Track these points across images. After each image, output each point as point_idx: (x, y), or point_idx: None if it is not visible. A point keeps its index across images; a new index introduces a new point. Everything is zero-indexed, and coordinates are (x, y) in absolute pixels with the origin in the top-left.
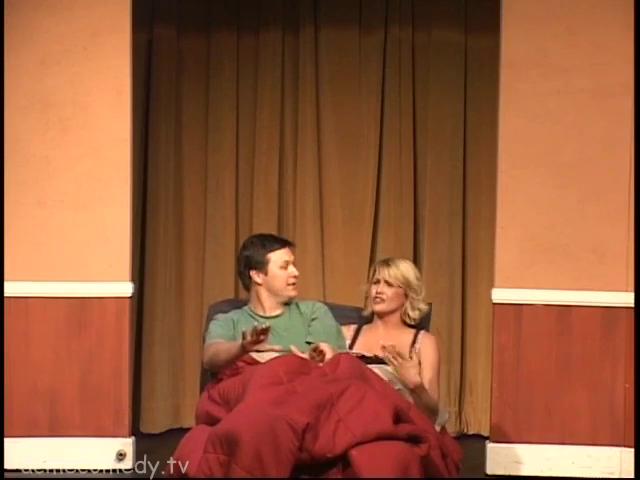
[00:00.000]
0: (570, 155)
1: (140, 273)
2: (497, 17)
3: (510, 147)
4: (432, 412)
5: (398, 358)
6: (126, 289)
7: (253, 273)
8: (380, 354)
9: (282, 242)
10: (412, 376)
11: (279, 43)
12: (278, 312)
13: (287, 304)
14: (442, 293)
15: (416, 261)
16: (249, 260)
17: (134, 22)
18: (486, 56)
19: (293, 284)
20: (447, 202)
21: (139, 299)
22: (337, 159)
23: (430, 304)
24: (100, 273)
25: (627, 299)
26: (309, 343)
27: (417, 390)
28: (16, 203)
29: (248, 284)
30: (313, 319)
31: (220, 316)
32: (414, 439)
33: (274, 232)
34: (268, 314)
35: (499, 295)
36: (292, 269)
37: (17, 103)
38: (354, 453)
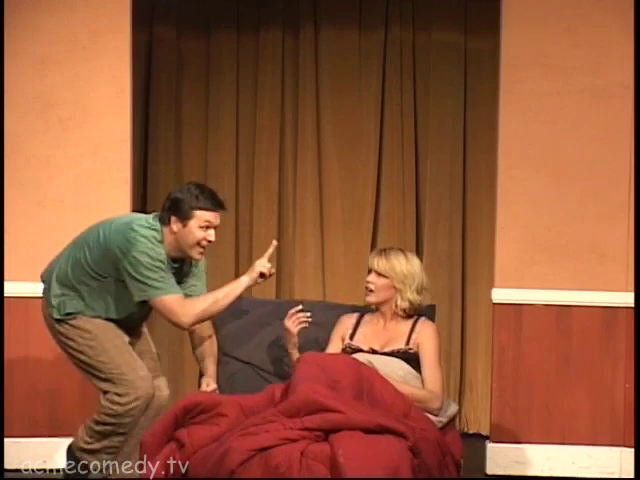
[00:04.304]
0: (570, 155)
1: None
2: (497, 17)
3: (510, 147)
4: (423, 401)
5: None
6: None
7: (173, 219)
8: (377, 347)
9: (216, 205)
10: None
11: (279, 43)
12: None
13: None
14: (442, 293)
15: None
16: (176, 205)
17: (134, 22)
18: (486, 56)
19: (203, 247)
20: (447, 202)
21: None
22: (337, 159)
23: (434, 305)
24: None
25: (627, 299)
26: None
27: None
28: (16, 203)
29: (165, 224)
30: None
31: (154, 256)
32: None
33: (274, 232)
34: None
35: (499, 295)
36: (211, 232)
37: (17, 103)
38: (341, 460)
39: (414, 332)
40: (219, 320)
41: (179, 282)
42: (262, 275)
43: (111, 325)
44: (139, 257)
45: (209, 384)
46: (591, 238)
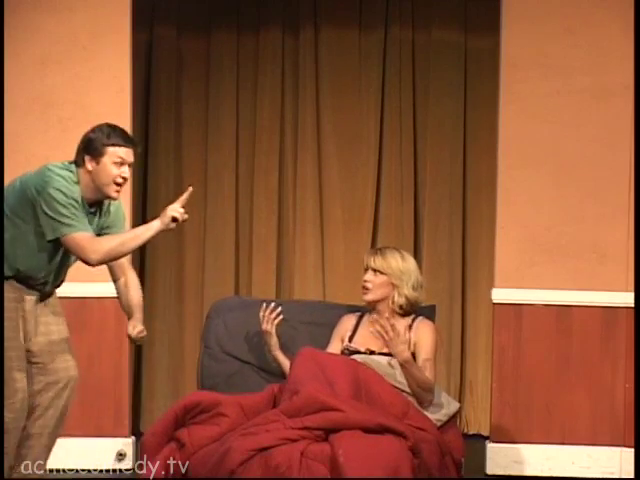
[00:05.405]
0: (570, 155)
1: (140, 273)
2: (497, 17)
3: (510, 147)
4: (425, 390)
5: (389, 333)
6: None
7: (87, 158)
8: (375, 348)
9: (127, 141)
10: (400, 352)
11: (279, 43)
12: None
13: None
14: (442, 293)
15: (416, 261)
16: (89, 144)
17: (134, 22)
18: (486, 56)
19: (118, 185)
20: (447, 202)
21: None
22: (337, 159)
23: (434, 305)
24: (100, 273)
25: (627, 299)
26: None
27: (407, 365)
28: None
29: (80, 165)
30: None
31: (68, 194)
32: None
33: (274, 232)
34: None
35: (499, 295)
36: (125, 169)
37: (17, 103)
38: (341, 460)
39: (411, 331)
40: (219, 319)
41: (99, 233)
42: (174, 220)
43: (15, 322)
44: (53, 194)
45: (135, 326)
46: (591, 238)
